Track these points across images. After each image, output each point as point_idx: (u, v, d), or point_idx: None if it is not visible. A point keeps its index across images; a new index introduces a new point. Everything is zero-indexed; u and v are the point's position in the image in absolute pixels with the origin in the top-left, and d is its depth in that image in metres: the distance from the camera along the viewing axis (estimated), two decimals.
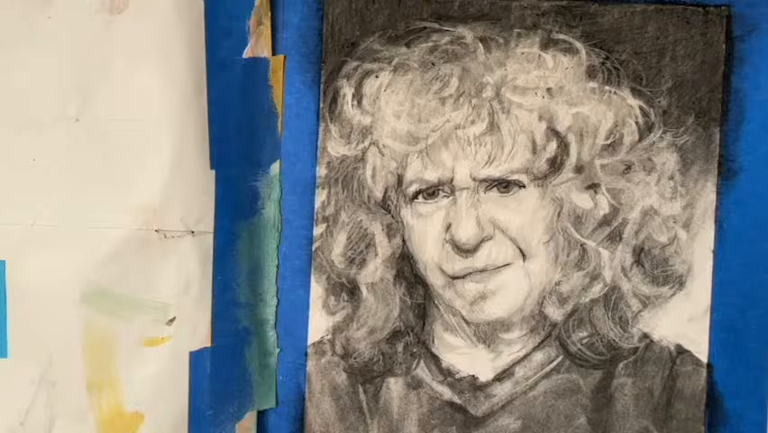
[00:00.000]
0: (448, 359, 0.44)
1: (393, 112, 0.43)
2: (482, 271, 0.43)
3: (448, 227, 0.43)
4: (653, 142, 0.42)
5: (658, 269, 0.42)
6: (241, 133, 0.43)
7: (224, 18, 0.43)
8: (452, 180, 0.42)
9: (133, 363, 0.43)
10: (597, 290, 0.40)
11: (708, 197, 0.42)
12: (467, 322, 0.43)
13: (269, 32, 0.43)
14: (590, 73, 0.42)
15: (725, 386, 0.43)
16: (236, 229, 0.43)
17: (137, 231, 0.42)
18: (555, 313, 0.43)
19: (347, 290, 0.44)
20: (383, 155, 0.43)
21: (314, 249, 0.44)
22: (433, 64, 0.42)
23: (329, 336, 0.44)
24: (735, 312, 0.42)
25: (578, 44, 0.42)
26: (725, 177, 0.42)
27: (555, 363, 0.43)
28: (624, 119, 0.42)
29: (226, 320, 0.44)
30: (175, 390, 0.43)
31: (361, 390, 0.44)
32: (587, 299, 0.42)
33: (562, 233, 0.42)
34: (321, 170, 0.43)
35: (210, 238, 0.43)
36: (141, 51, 0.42)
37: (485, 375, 0.44)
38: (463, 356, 0.44)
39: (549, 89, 0.42)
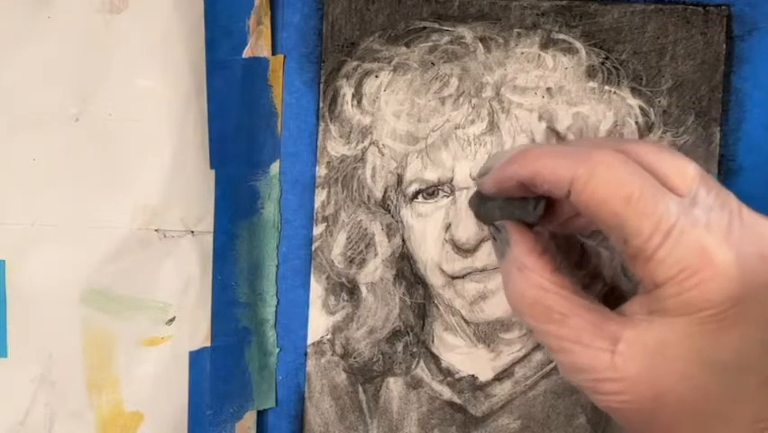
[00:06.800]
0: (448, 359, 0.44)
1: (393, 112, 0.43)
2: (482, 270, 0.43)
3: (448, 227, 0.43)
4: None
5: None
6: (241, 133, 0.43)
7: (223, 18, 0.43)
8: (451, 180, 0.42)
9: (133, 363, 0.43)
10: (597, 289, 0.40)
11: None
12: (467, 322, 0.43)
13: (269, 32, 0.43)
14: (590, 73, 0.42)
15: None
16: (236, 229, 0.43)
17: (137, 231, 0.42)
18: None
19: (347, 289, 0.44)
20: (383, 155, 0.43)
21: (313, 249, 0.44)
22: (432, 64, 0.42)
23: (329, 336, 0.44)
24: None
25: (578, 44, 0.42)
26: (725, 177, 0.42)
27: (555, 362, 0.43)
28: (624, 119, 0.42)
29: (226, 320, 0.44)
30: (175, 390, 0.43)
31: (360, 389, 0.44)
32: None
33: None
34: (321, 170, 0.43)
35: (210, 238, 0.43)
36: (141, 51, 0.42)
37: (485, 375, 0.44)
38: (463, 356, 0.44)
39: (549, 89, 0.42)
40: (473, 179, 0.42)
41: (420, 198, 0.43)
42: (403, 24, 0.43)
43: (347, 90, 0.43)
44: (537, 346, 0.43)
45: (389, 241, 0.43)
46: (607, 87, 0.42)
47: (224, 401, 0.44)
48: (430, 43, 0.42)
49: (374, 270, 0.43)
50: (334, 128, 0.43)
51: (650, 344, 0.31)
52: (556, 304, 0.33)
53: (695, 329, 0.30)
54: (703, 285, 0.29)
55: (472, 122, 0.42)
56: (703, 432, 0.31)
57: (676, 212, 0.30)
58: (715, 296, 0.29)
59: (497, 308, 0.43)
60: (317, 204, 0.43)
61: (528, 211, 0.35)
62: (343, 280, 0.44)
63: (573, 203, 0.32)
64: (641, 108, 0.42)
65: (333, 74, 0.43)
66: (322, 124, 0.43)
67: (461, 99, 0.42)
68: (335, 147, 0.43)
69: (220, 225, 0.43)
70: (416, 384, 0.44)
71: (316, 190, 0.43)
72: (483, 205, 0.38)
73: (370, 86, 0.43)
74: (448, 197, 0.43)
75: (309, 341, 0.44)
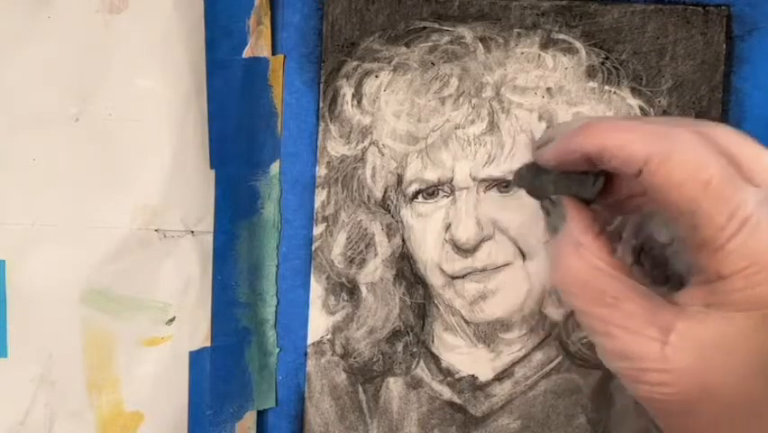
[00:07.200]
0: (448, 359, 0.44)
1: (393, 112, 0.43)
2: (482, 270, 0.43)
3: (448, 227, 0.43)
4: None
5: (658, 269, 0.42)
6: (241, 133, 0.43)
7: (223, 18, 0.43)
8: (451, 180, 0.42)
9: (133, 363, 0.43)
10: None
11: None
12: (467, 322, 0.43)
13: (269, 31, 0.43)
14: (590, 73, 0.42)
15: None
16: (236, 229, 0.43)
17: (137, 231, 0.42)
18: (555, 313, 0.43)
19: (347, 289, 0.44)
20: (383, 155, 0.43)
21: (313, 249, 0.44)
22: (432, 64, 0.42)
23: (329, 336, 0.44)
24: None
25: (578, 44, 0.42)
26: None
27: (555, 362, 0.43)
28: None
29: (226, 320, 0.44)
30: (175, 390, 0.43)
31: (360, 389, 0.44)
32: None
33: None
34: (321, 170, 0.43)
35: (210, 238, 0.43)
36: (141, 51, 0.42)
37: (485, 375, 0.44)
38: (463, 356, 0.44)
39: (549, 89, 0.42)
40: (473, 179, 0.42)
41: (420, 198, 0.43)
42: (403, 24, 0.43)
43: (347, 90, 0.43)
44: (537, 346, 0.43)
45: (389, 241, 0.43)
46: (607, 87, 0.42)
47: (224, 401, 0.44)
48: (430, 43, 0.42)
49: (374, 270, 0.43)
50: (334, 128, 0.43)
51: (704, 337, 0.30)
52: (610, 287, 0.31)
53: (757, 326, 0.29)
54: None
55: (472, 122, 0.42)
56: (740, 431, 0.30)
57: (753, 202, 0.29)
58: None
59: (497, 308, 0.43)
60: (317, 204, 0.43)
61: (587, 187, 0.33)
62: (343, 280, 0.44)
63: (643, 183, 0.30)
64: (641, 108, 0.42)
65: (333, 74, 0.43)
66: (322, 124, 0.43)
67: (461, 99, 0.42)
68: (335, 147, 0.43)
69: (220, 225, 0.43)
70: (416, 384, 0.44)
71: (316, 190, 0.43)
72: (537, 177, 0.36)
73: (370, 86, 0.43)
74: (448, 197, 0.43)
75: (309, 341, 0.44)
